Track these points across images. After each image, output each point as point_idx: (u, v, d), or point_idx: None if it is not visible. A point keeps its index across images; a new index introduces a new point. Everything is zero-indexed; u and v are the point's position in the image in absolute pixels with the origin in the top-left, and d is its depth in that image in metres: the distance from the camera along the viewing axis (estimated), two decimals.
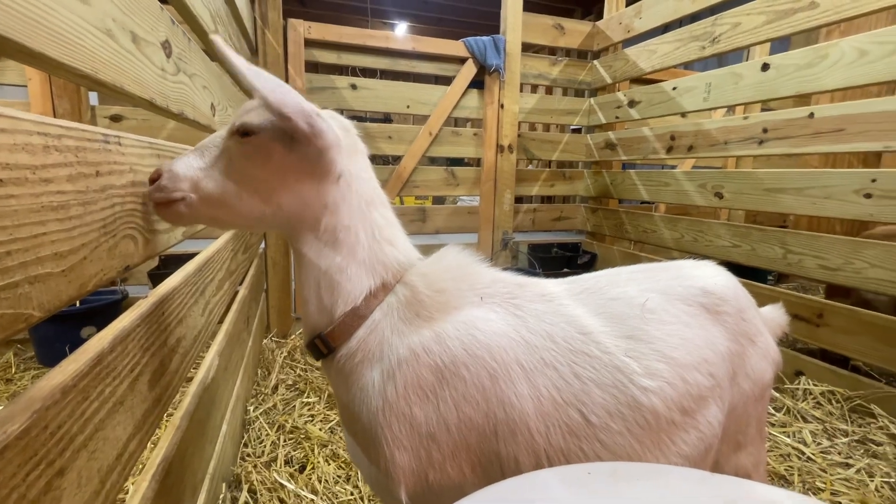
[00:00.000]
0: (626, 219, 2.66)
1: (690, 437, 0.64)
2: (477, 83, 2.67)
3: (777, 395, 1.69)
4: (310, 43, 2.33)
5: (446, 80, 2.63)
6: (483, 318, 0.62)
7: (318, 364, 1.89)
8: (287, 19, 2.23)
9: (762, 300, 1.89)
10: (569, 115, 2.95)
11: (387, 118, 5.94)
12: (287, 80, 2.25)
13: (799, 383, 1.70)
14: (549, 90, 3.30)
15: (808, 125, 1.71)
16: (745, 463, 0.76)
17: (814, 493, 1.25)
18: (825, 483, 1.28)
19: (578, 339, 0.63)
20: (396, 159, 2.59)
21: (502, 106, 2.66)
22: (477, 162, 2.78)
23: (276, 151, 0.58)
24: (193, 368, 0.93)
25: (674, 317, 0.68)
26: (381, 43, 2.45)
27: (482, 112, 2.69)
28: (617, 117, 2.70)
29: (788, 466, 1.36)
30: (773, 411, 1.62)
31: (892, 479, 1.28)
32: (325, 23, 2.36)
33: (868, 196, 1.53)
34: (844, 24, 1.75)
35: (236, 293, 1.52)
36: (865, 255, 1.54)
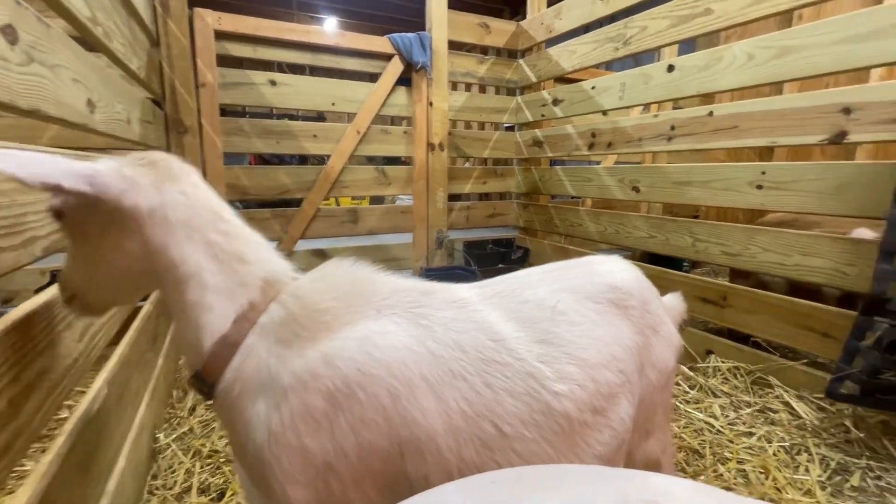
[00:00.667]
0: (555, 214, 2.75)
1: (604, 436, 0.65)
2: (405, 80, 2.63)
3: (691, 373, 1.82)
4: (222, 35, 2.17)
5: (373, 77, 2.57)
6: (380, 331, 0.59)
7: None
8: (193, 8, 2.06)
9: (677, 286, 2.01)
10: (498, 114, 2.99)
11: (320, 117, 5.73)
12: (196, 75, 2.08)
13: (709, 361, 1.84)
14: (482, 89, 3.34)
15: (708, 123, 1.85)
16: (654, 449, 0.79)
17: (722, 464, 1.35)
18: (732, 453, 1.39)
19: (490, 347, 0.62)
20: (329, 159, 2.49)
21: (431, 104, 2.64)
22: (410, 161, 2.74)
23: (87, 222, 0.56)
24: (70, 403, 0.82)
25: (583, 316, 0.69)
26: (302, 37, 2.34)
27: (411, 110, 2.66)
28: (543, 115, 2.78)
29: (702, 440, 1.46)
30: (687, 389, 1.74)
31: (787, 444, 1.41)
32: (250, 15, 2.21)
33: (759, 187, 1.68)
34: (741, 28, 1.90)
35: (138, 309, 1.38)
36: (758, 240, 1.69)
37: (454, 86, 2.91)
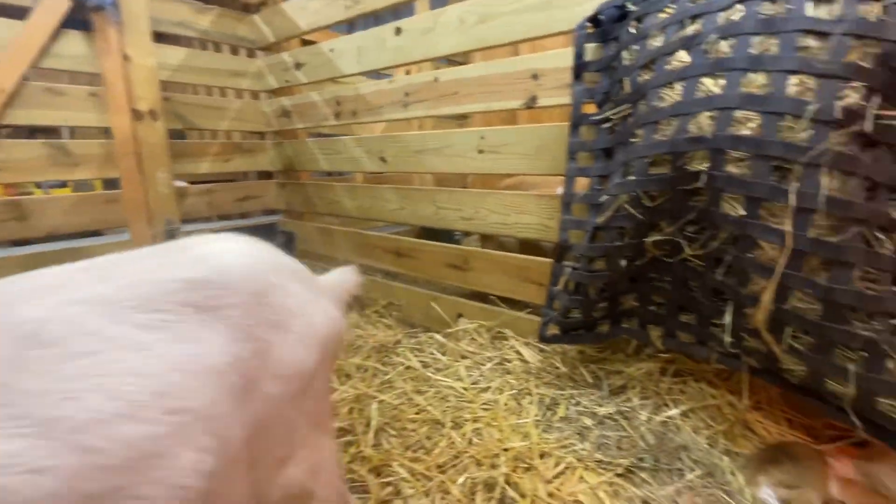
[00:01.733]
0: (314, 192, 2.49)
1: None
2: (80, 23, 1.95)
3: (443, 339, 1.83)
4: None
5: (19, 13, 1.81)
6: None
7: None
8: None
9: (426, 255, 1.98)
10: (236, 77, 2.53)
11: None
12: None
13: (459, 325, 1.88)
14: (216, 47, 2.79)
15: (435, 88, 1.83)
16: (297, 475, 0.62)
17: (459, 427, 1.34)
18: (471, 413, 1.41)
19: None
20: None
21: (128, 57, 2.03)
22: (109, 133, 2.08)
23: None
24: None
25: (106, 341, 0.44)
26: None
27: (98, 64, 1.99)
28: (287, 81, 2.45)
29: (446, 408, 1.45)
30: (439, 357, 1.74)
31: (516, 391, 1.50)
32: None
33: (481, 152, 1.74)
34: None
35: None
36: (487, 203, 1.77)
37: (165, 38, 2.31)
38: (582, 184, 1.41)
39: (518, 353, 1.69)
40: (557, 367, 1.55)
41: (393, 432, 1.33)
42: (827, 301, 0.88)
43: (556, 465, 1.17)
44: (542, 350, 1.66)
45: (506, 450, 1.22)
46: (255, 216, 2.97)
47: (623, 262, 1.18)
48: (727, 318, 1.05)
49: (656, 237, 1.10)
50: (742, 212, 0.94)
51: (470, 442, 1.29)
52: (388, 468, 1.16)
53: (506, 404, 1.44)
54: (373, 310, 2.19)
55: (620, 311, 1.32)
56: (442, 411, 1.42)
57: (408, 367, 1.69)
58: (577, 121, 1.36)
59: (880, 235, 0.87)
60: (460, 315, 1.93)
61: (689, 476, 1.10)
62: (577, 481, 1.12)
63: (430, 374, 1.63)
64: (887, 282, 0.86)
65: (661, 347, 1.27)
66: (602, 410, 1.35)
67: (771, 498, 1.03)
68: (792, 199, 0.87)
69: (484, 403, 1.46)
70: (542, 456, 1.21)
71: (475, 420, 1.38)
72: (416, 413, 1.43)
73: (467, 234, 3.72)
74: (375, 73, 2.33)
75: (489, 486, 1.11)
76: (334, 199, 2.38)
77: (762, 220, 0.92)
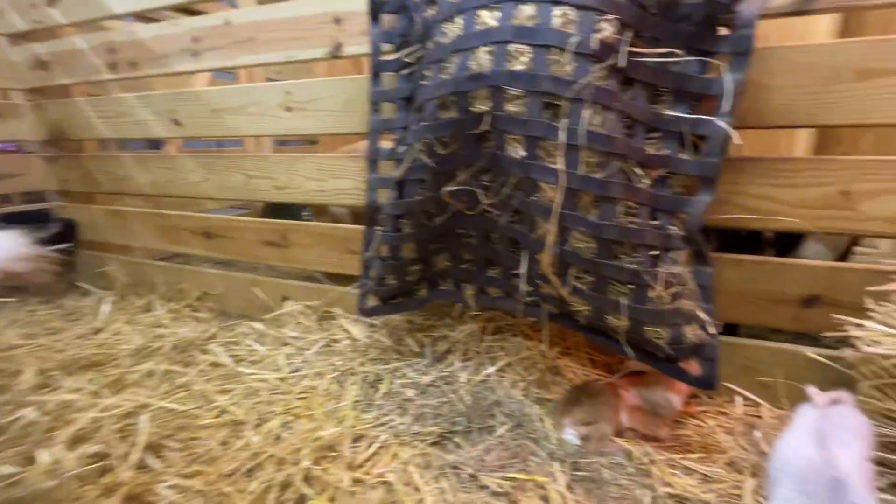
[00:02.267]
0: (95, 166, 2.00)
1: None
2: None
3: (263, 328, 1.61)
4: None
5: None
6: None
7: None
8: None
9: (238, 233, 1.71)
10: None
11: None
12: None
13: (283, 308, 1.66)
14: None
15: (228, 34, 1.54)
16: None
17: (265, 422, 1.15)
18: (283, 406, 1.22)
19: None
20: None
21: None
22: None
23: None
24: None
25: None
26: None
27: None
28: (38, 21, 1.89)
29: (254, 404, 1.24)
30: (257, 347, 1.51)
31: (338, 373, 1.35)
32: None
33: (289, 109, 1.52)
34: None
35: None
36: (300, 169, 1.56)
37: None
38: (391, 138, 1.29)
39: (346, 331, 1.55)
40: (383, 341, 1.44)
41: (176, 445, 1.08)
42: (598, 238, 0.89)
43: (369, 446, 1.06)
44: (371, 325, 1.54)
45: (316, 440, 1.07)
46: (22, 200, 2.31)
47: (428, 219, 1.09)
48: (522, 267, 1.03)
49: (453, 187, 1.03)
50: (523, 153, 0.91)
51: (277, 438, 1.11)
52: (150, 493, 0.93)
53: (326, 389, 1.29)
54: (184, 303, 1.85)
55: (435, 273, 1.25)
56: (247, 410, 1.21)
57: (214, 365, 1.43)
58: (378, 68, 1.23)
59: (638, 171, 0.90)
60: (286, 298, 1.71)
61: (500, 431, 1.07)
62: (389, 460, 1.02)
63: (240, 369, 1.39)
64: (646, 215, 0.90)
65: (473, 305, 1.23)
66: (425, 379, 1.28)
67: (572, 436, 1.05)
68: (562, 136, 0.85)
69: (301, 392, 1.28)
70: (356, 440, 1.08)
71: (287, 413, 1.20)
72: (215, 417, 1.19)
73: (320, 210, 3.43)
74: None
75: (286, 486, 0.95)
76: (123, 175, 1.92)
77: (541, 161, 0.89)
